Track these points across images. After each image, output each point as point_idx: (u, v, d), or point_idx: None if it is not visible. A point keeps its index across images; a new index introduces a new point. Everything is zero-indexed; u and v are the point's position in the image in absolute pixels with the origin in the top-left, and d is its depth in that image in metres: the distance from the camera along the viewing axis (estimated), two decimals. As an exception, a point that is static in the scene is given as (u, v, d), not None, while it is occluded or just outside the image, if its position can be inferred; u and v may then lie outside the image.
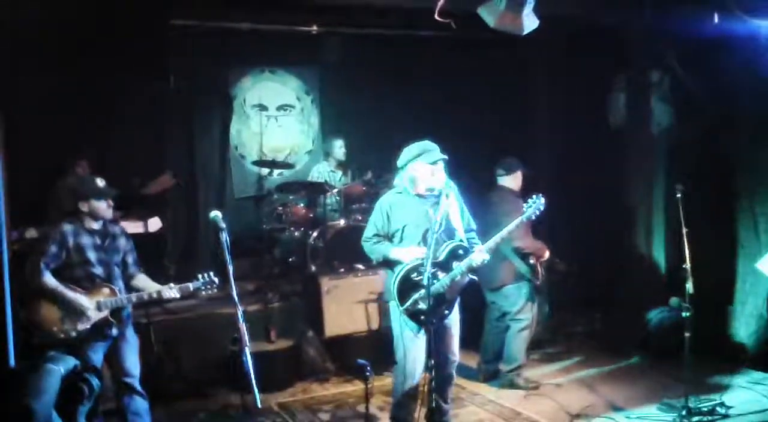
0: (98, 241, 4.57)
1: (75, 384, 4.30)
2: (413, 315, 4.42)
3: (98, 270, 4.53)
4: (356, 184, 7.47)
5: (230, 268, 3.82)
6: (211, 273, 4.64)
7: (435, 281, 4.37)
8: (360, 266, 6.65)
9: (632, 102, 7.15)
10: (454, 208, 4.53)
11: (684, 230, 5.12)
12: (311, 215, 7.31)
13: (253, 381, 3.55)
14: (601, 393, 5.77)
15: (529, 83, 8.34)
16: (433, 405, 4.29)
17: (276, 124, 8.56)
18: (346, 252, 6.62)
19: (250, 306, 6.38)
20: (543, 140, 8.11)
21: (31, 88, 6.41)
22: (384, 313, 6.25)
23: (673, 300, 6.35)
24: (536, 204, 4.65)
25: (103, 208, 4.55)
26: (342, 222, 7.09)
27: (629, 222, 7.14)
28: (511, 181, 5.93)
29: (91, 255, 4.52)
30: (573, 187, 7.33)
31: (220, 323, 6.01)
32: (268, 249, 7.40)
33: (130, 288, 4.70)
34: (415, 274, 4.40)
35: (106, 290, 4.52)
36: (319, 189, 7.31)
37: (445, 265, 4.45)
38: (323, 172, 7.79)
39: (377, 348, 6.13)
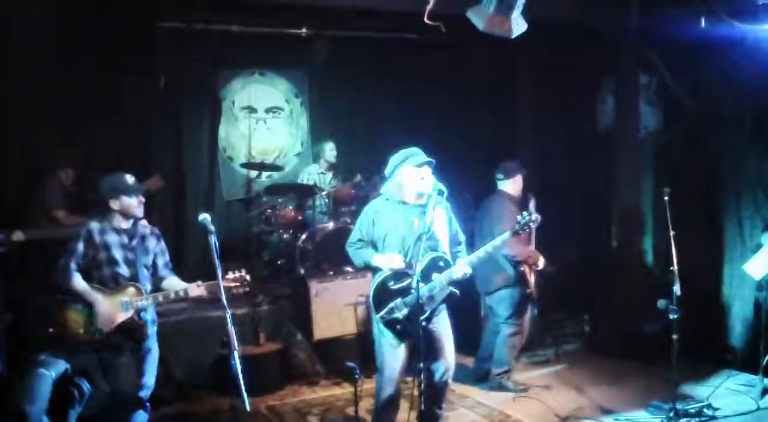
0: (126, 240, 4.41)
1: (66, 388, 4.27)
2: (388, 323, 4.41)
3: (124, 270, 4.39)
4: (345, 186, 7.47)
5: (219, 271, 3.82)
6: (243, 271, 4.40)
7: (412, 290, 4.32)
8: (349, 269, 6.65)
9: (620, 105, 7.18)
10: (440, 219, 4.50)
11: (671, 232, 5.14)
12: (300, 218, 7.30)
13: (242, 385, 3.54)
14: (590, 396, 5.79)
15: (517, 85, 8.37)
16: (422, 408, 4.29)
17: (265, 126, 8.54)
18: (335, 254, 6.60)
19: (238, 309, 6.34)
20: (531, 142, 8.14)
21: (17, 89, 6.37)
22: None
23: (661, 303, 6.39)
24: (527, 219, 4.47)
25: (135, 205, 4.38)
26: (331, 224, 7.08)
27: (617, 224, 7.17)
28: (510, 185, 5.91)
29: (118, 255, 4.37)
30: (561, 190, 7.36)
31: (209, 326, 5.99)
32: (257, 252, 7.39)
33: (159, 291, 4.52)
34: (392, 282, 4.39)
35: (131, 290, 4.36)
36: (307, 191, 7.31)
37: (424, 276, 4.37)
38: (313, 173, 7.80)
39: (366, 351, 6.09)
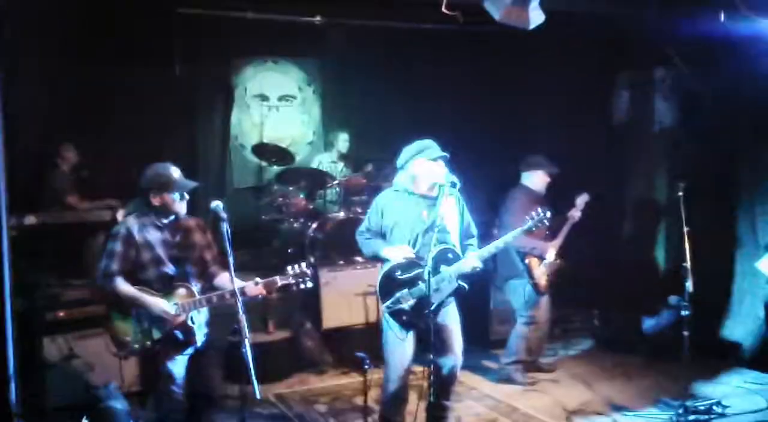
0: (168, 236, 4.07)
1: None
2: (394, 313, 4.40)
3: (171, 270, 4.05)
4: (356, 176, 7.45)
5: (231, 259, 3.77)
6: (303, 265, 4.12)
7: (420, 281, 4.33)
8: (359, 258, 6.63)
9: (635, 99, 7.13)
10: (452, 211, 4.48)
11: (685, 228, 5.10)
12: (311, 207, 7.29)
13: (253, 373, 3.54)
14: (599, 391, 5.77)
15: (531, 77, 8.30)
16: (431, 400, 4.28)
17: (277, 114, 8.53)
18: (345, 244, 6.58)
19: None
20: (544, 136, 8.08)
21: (30, 72, 6.34)
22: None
23: (672, 299, 6.38)
24: (538, 219, 4.45)
25: (177, 202, 4.03)
26: (341, 214, 7.07)
27: (630, 219, 7.13)
28: (530, 179, 5.91)
29: (162, 253, 4.03)
30: (574, 184, 7.32)
31: (219, 313, 5.96)
32: (267, 241, 7.39)
33: (210, 289, 4.18)
34: (399, 272, 4.37)
35: (182, 291, 4.04)
36: (319, 180, 7.29)
37: (432, 268, 4.31)
38: (324, 162, 7.78)
39: (375, 341, 6.07)
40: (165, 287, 4.05)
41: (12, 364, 4.20)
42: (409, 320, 4.36)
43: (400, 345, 4.44)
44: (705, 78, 6.75)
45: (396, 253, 4.42)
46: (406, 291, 4.36)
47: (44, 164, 6.63)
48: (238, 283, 3.96)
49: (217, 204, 3.86)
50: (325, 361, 6.34)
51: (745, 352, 6.33)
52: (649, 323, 6.64)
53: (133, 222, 4.06)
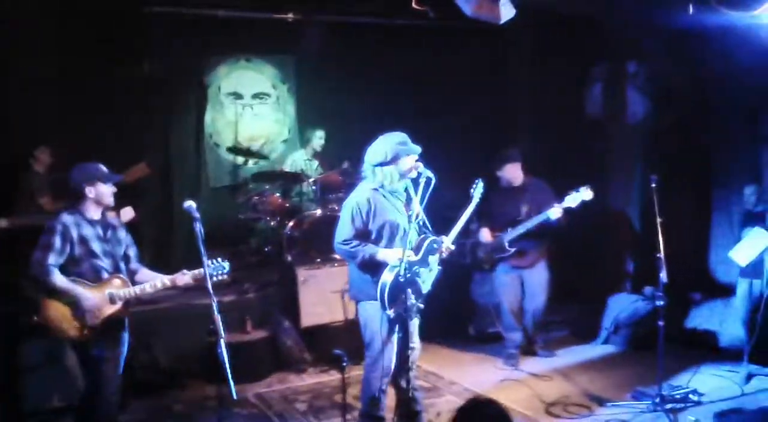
0: (100, 232, 4.25)
1: None
2: (398, 314, 4.37)
3: (105, 264, 4.24)
4: (333, 173, 7.43)
5: (205, 259, 3.82)
6: (219, 259, 4.32)
7: (417, 278, 4.35)
8: (336, 256, 6.62)
9: (609, 92, 7.18)
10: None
11: (658, 220, 5.14)
12: (287, 205, 7.27)
13: (229, 373, 3.54)
14: (576, 382, 5.81)
15: (507, 72, 8.34)
16: (411, 395, 4.29)
17: (251, 112, 8.49)
18: (323, 242, 6.57)
19: (225, 296, 6.33)
20: (522, 130, 8.13)
21: (2, 74, 6.28)
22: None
23: (647, 290, 6.44)
24: (476, 189, 4.73)
25: (109, 193, 4.25)
26: (318, 211, 7.06)
27: (606, 211, 7.18)
28: (503, 173, 6.10)
29: (97, 248, 4.21)
30: (551, 177, 7.36)
31: (195, 314, 5.95)
32: (244, 239, 7.35)
33: (134, 284, 4.37)
34: (401, 276, 4.28)
35: (116, 281, 4.24)
36: (295, 178, 7.27)
37: (422, 261, 4.41)
38: (299, 160, 7.75)
39: (354, 338, 6.07)
40: (98, 279, 4.22)
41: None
42: (407, 316, 4.30)
43: (393, 342, 4.45)
44: (678, 69, 6.80)
45: (394, 256, 4.31)
46: (408, 291, 4.25)
47: (18, 166, 6.53)
48: (166, 276, 4.31)
49: (190, 204, 3.89)
50: (304, 360, 6.33)
51: (718, 341, 6.40)
52: (624, 314, 6.68)
53: (67, 218, 4.18)
